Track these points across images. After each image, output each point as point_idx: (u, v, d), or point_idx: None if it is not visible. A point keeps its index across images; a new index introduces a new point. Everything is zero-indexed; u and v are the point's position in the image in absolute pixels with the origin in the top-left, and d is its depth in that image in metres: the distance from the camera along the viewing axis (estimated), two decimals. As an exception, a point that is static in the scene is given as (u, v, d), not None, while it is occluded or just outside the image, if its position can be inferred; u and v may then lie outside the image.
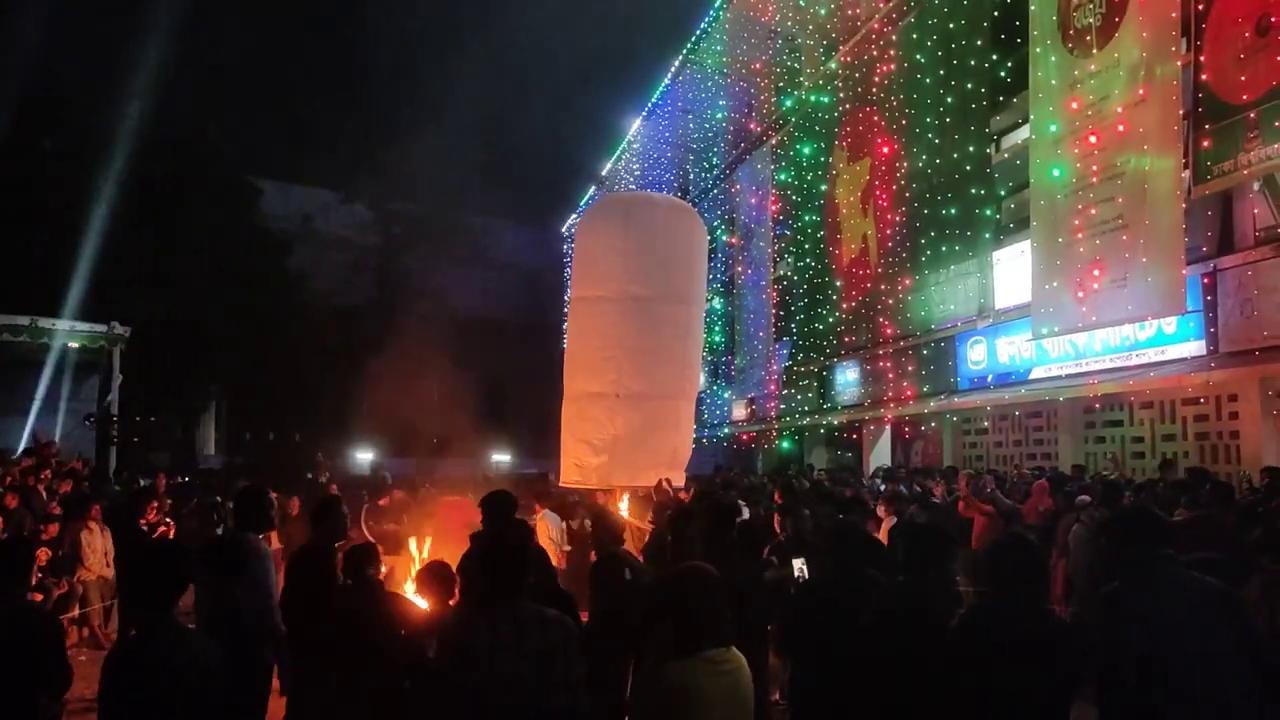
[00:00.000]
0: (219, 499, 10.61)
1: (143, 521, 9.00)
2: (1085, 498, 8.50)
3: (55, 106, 25.46)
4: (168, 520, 9.74)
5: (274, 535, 10.95)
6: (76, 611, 9.43)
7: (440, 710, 3.25)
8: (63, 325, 20.60)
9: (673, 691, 2.68)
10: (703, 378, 28.07)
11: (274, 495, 10.84)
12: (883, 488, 11.69)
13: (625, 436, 8.37)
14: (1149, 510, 3.91)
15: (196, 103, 28.97)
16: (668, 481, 8.40)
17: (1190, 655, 3.16)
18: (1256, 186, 10.85)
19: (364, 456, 31.58)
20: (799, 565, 6.10)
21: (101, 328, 20.70)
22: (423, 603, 4.81)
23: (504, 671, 3.09)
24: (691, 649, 2.73)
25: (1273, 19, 9.66)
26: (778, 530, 7.43)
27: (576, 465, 8.70)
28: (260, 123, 33.32)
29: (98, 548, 9.60)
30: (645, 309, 8.35)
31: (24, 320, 19.43)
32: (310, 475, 16.92)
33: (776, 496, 9.12)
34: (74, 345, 21.53)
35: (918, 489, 11.51)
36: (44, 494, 11.06)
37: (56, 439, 20.52)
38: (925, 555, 3.74)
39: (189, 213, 26.92)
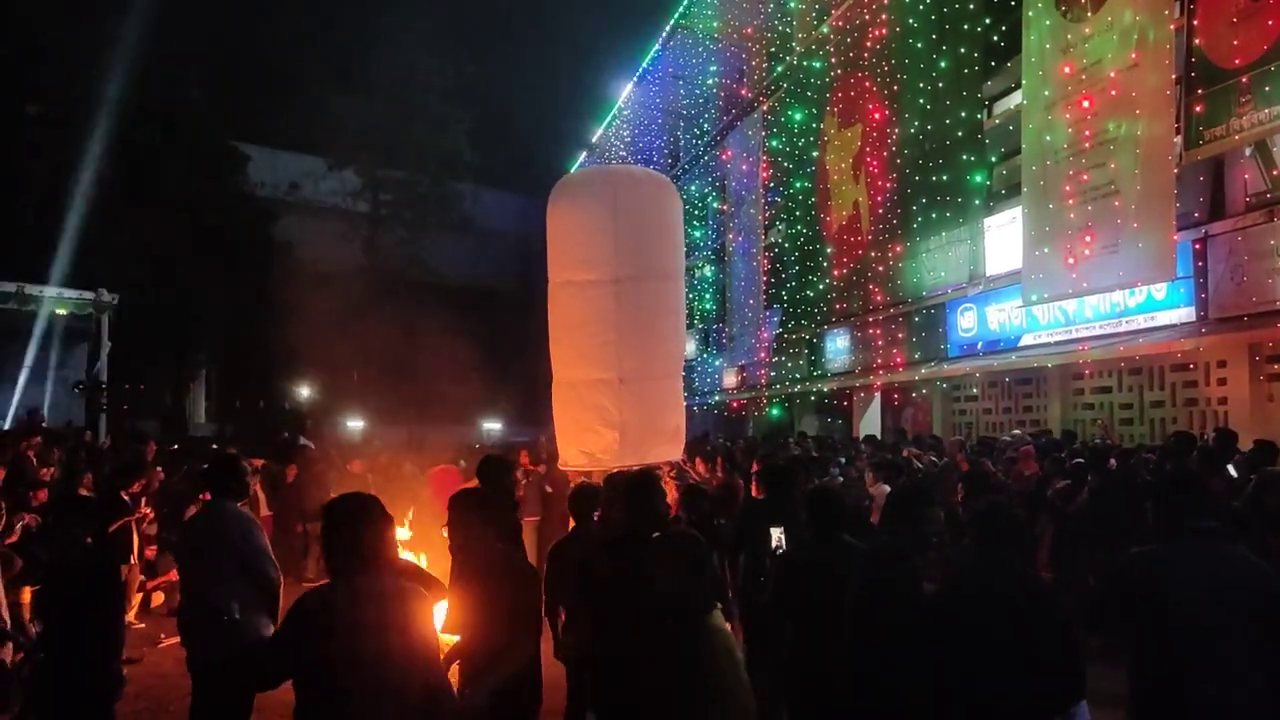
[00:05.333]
0: (208, 466, 10.53)
1: (125, 494, 8.90)
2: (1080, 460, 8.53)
3: (38, 72, 25.09)
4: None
5: (264, 502, 10.99)
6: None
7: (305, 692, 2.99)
8: (50, 292, 20.47)
9: None
10: (694, 345, 28.17)
11: (258, 463, 10.85)
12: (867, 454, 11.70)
13: (632, 420, 8.30)
14: (1189, 477, 3.88)
15: (181, 68, 28.58)
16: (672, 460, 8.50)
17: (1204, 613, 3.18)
18: (1248, 152, 10.80)
19: (354, 424, 31.61)
20: (777, 535, 6.11)
21: (89, 295, 20.58)
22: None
23: (338, 653, 2.90)
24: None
25: (1267, -18, 9.58)
26: None
27: (582, 451, 8.59)
28: (247, 89, 32.86)
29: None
30: (637, 290, 8.20)
31: (10, 287, 19.27)
32: (303, 443, 16.91)
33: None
34: (61, 313, 21.43)
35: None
36: (34, 461, 11.00)
37: (45, 408, 20.44)
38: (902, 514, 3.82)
39: (174, 179, 26.65)
